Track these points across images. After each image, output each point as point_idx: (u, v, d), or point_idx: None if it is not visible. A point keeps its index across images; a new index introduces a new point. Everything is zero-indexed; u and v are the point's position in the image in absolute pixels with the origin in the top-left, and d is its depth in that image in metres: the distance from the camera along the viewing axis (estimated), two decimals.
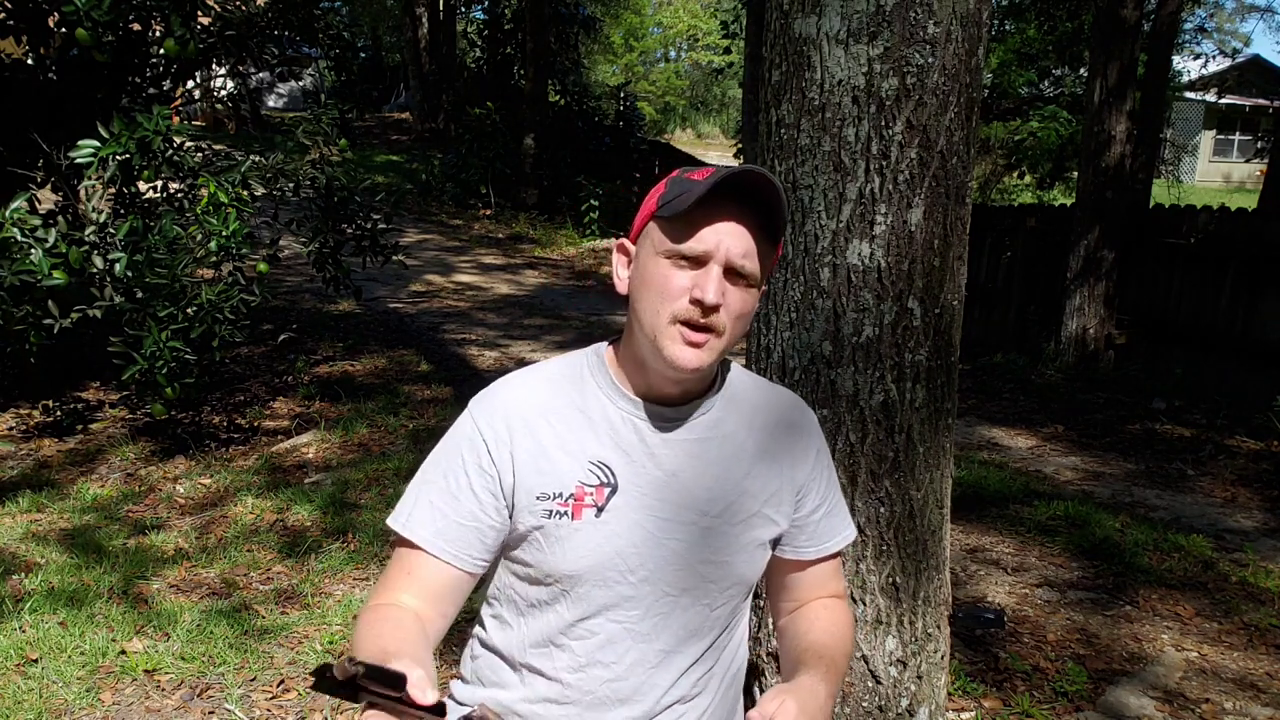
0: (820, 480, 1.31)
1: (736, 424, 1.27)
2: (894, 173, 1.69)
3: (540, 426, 1.21)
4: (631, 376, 1.23)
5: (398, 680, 0.89)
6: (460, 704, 1.30)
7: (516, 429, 1.20)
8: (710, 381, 1.26)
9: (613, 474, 1.20)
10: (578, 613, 1.21)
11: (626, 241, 1.24)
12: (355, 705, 0.90)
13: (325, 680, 0.87)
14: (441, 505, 1.20)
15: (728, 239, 1.12)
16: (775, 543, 1.30)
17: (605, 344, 1.28)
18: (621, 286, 1.23)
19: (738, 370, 1.33)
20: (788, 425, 1.30)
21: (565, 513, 1.19)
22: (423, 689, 0.91)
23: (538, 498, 1.19)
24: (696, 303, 1.12)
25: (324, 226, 4.94)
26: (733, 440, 1.25)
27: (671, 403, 1.22)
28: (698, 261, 1.13)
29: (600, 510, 1.19)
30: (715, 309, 1.12)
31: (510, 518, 1.21)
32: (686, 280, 1.13)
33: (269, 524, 3.84)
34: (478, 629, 1.33)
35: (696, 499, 1.22)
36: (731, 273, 1.13)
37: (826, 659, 1.23)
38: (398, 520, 1.22)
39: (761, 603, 1.91)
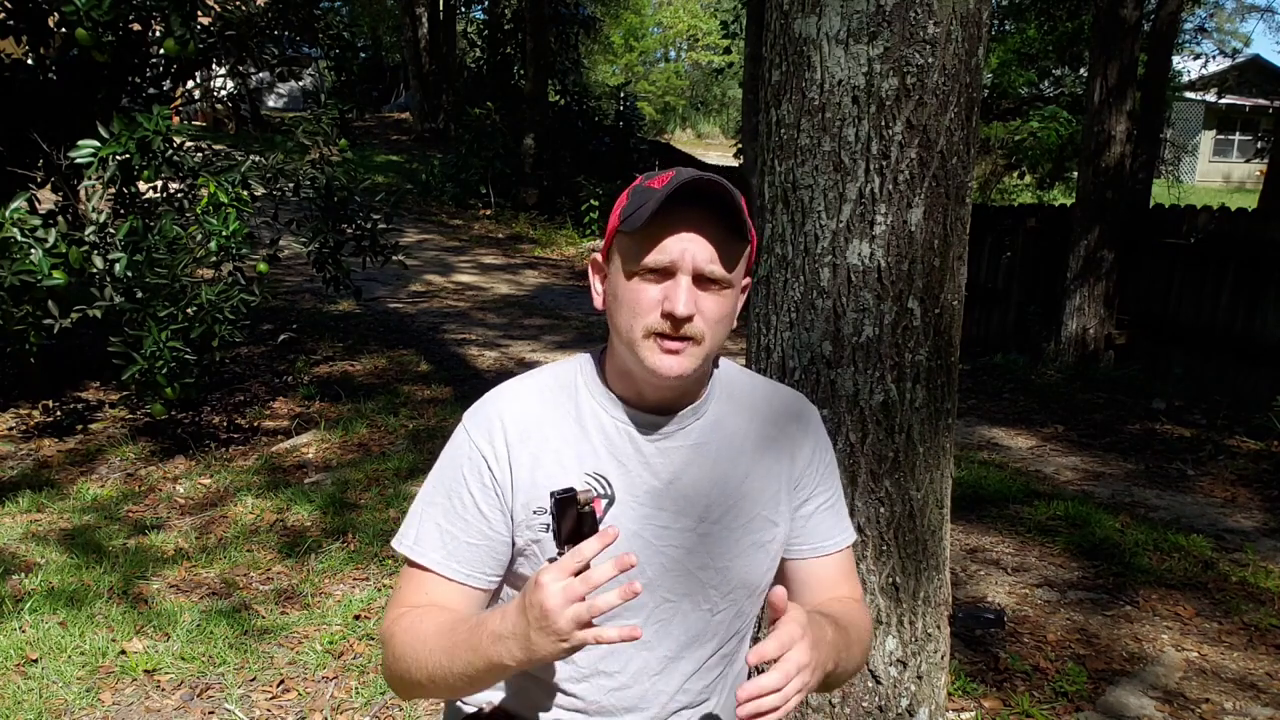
0: (814, 477, 1.30)
1: (734, 427, 1.26)
2: (894, 173, 1.69)
3: (535, 440, 1.20)
4: (621, 386, 1.22)
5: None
6: (465, 703, 1.30)
7: (513, 443, 1.20)
8: (703, 385, 1.25)
9: (609, 485, 1.19)
10: None
11: (598, 257, 1.23)
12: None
13: (562, 500, 1.02)
14: (449, 527, 1.20)
15: (691, 247, 1.11)
16: (784, 544, 1.30)
17: (597, 351, 1.28)
18: (599, 302, 1.23)
19: (735, 371, 1.32)
20: (785, 425, 1.29)
21: None
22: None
23: (534, 512, 1.19)
24: (668, 315, 1.11)
25: (324, 226, 4.93)
26: (730, 444, 1.24)
27: (665, 410, 1.21)
28: (665, 273, 1.12)
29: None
30: (689, 319, 1.11)
31: (511, 531, 1.21)
32: (657, 293, 1.12)
33: (269, 524, 3.84)
34: None
35: (694, 505, 1.21)
36: (701, 279, 1.12)
37: (838, 620, 1.20)
38: (404, 543, 1.21)
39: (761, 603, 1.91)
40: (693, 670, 1.24)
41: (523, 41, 16.41)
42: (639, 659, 1.21)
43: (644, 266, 1.12)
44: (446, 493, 1.21)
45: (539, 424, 1.21)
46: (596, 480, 1.19)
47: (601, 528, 1.18)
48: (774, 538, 1.27)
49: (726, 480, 1.23)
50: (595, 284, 1.24)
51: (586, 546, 0.98)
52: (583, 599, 0.97)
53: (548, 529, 1.18)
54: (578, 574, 0.97)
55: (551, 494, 1.02)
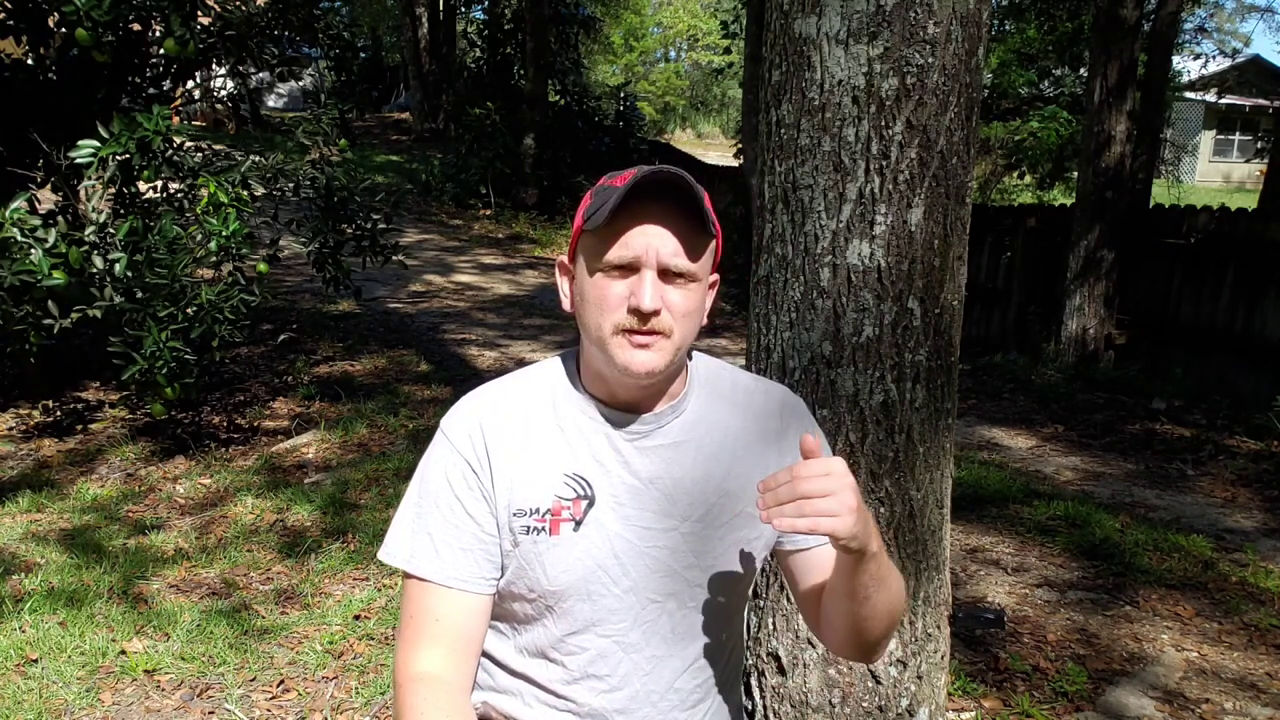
0: None
1: (716, 423, 1.25)
2: (894, 173, 1.69)
3: (513, 442, 1.20)
4: (595, 386, 1.22)
5: None
6: None
7: (492, 445, 1.19)
8: (680, 382, 1.24)
9: (589, 486, 1.19)
10: (564, 628, 1.21)
11: (564, 259, 1.23)
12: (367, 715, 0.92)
13: None
14: (442, 535, 1.19)
15: (654, 241, 1.11)
16: (773, 540, 1.29)
17: (570, 353, 1.27)
18: (567, 305, 1.23)
19: (717, 367, 1.31)
20: (769, 419, 1.28)
21: (543, 529, 1.18)
22: None
23: (514, 514, 1.19)
24: (635, 310, 1.11)
25: (324, 226, 4.93)
26: (711, 440, 1.24)
27: (641, 409, 1.21)
28: (630, 269, 1.12)
29: (578, 524, 1.18)
30: (655, 313, 1.11)
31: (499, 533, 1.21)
32: (623, 289, 1.12)
33: (269, 524, 3.84)
34: None
35: (676, 504, 1.21)
36: (666, 273, 1.12)
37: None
38: (399, 557, 1.20)
39: (761, 603, 1.91)
40: (682, 669, 1.24)
41: (523, 41, 16.39)
42: (628, 661, 1.21)
43: (608, 263, 1.12)
44: (434, 501, 1.20)
45: (516, 426, 1.21)
46: (575, 481, 1.19)
47: (582, 529, 1.19)
48: (759, 534, 1.26)
49: (709, 478, 1.23)
50: (563, 286, 1.24)
51: None
52: None
53: (529, 531, 1.18)
54: None
55: None
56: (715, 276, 1.22)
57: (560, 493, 1.19)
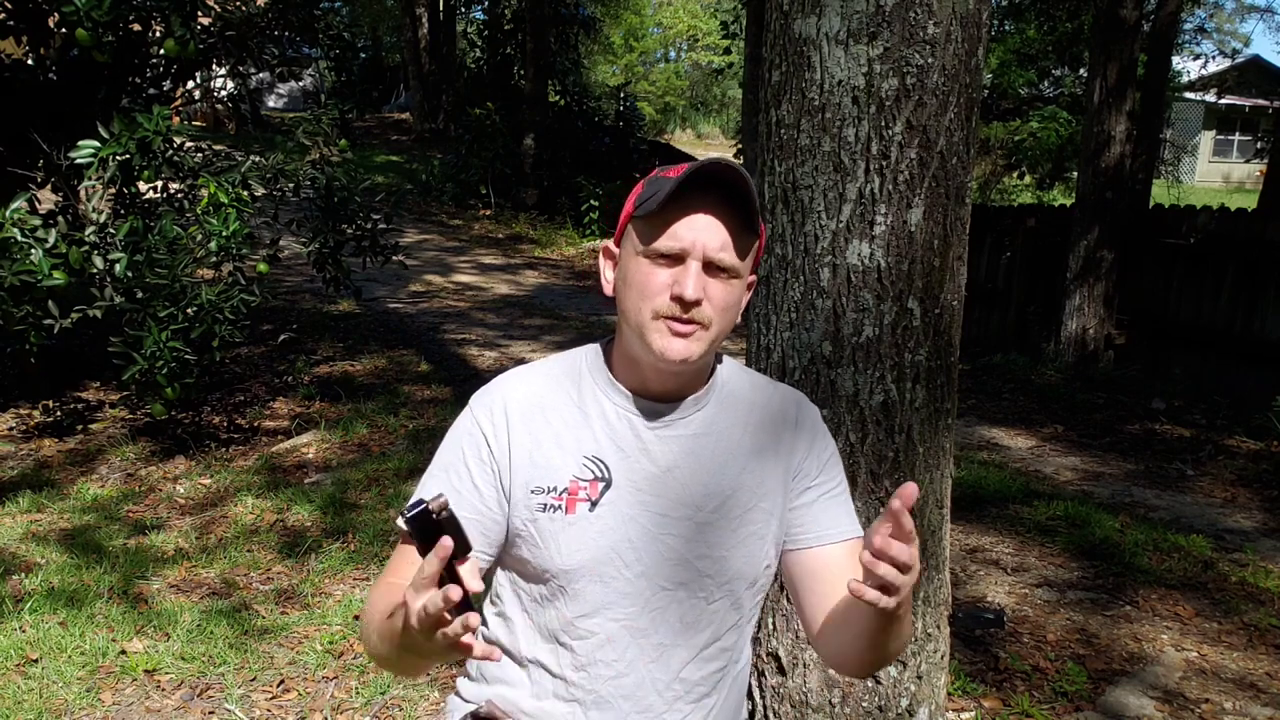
0: (815, 466, 1.30)
1: (732, 420, 1.28)
2: (894, 173, 1.69)
3: (537, 421, 1.23)
4: (626, 374, 1.24)
5: (465, 547, 0.94)
6: (466, 701, 1.31)
7: (514, 422, 1.22)
8: (705, 377, 1.27)
9: (607, 469, 1.22)
10: (576, 610, 1.22)
11: (610, 244, 1.26)
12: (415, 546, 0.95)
13: (416, 516, 0.93)
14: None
15: (703, 234, 1.13)
16: (781, 538, 1.30)
17: (604, 341, 1.30)
18: (608, 288, 1.26)
19: (735, 368, 1.34)
20: (783, 419, 1.31)
21: (559, 506, 1.20)
22: (474, 574, 0.96)
23: (532, 491, 1.21)
24: (677, 299, 1.13)
25: (324, 226, 4.93)
26: (728, 436, 1.26)
27: (667, 399, 1.24)
28: (676, 259, 1.14)
29: (594, 504, 1.20)
30: (696, 304, 1.14)
31: (508, 511, 1.22)
32: (667, 277, 1.15)
33: (269, 524, 3.84)
34: (481, 627, 1.33)
35: (692, 494, 1.23)
36: (711, 266, 1.14)
37: None
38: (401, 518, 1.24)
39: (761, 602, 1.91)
40: (689, 658, 1.25)
41: (523, 41, 16.40)
42: (635, 646, 1.23)
43: (655, 251, 1.15)
44: (444, 466, 1.24)
45: (541, 407, 1.24)
46: (593, 464, 1.21)
47: (598, 510, 1.20)
48: (771, 530, 1.28)
49: (724, 471, 1.25)
50: (605, 271, 1.27)
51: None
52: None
53: (545, 508, 1.20)
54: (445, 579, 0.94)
55: (403, 515, 0.95)
56: (754, 277, 1.24)
57: (578, 473, 1.21)
